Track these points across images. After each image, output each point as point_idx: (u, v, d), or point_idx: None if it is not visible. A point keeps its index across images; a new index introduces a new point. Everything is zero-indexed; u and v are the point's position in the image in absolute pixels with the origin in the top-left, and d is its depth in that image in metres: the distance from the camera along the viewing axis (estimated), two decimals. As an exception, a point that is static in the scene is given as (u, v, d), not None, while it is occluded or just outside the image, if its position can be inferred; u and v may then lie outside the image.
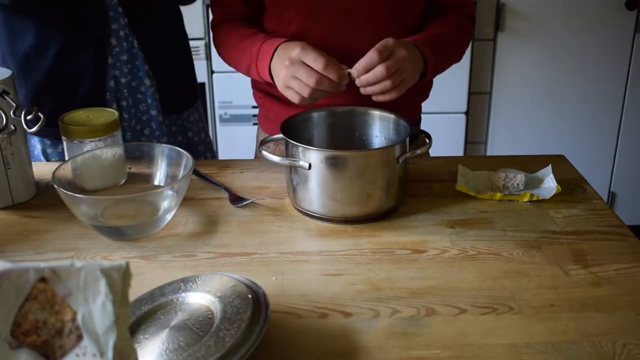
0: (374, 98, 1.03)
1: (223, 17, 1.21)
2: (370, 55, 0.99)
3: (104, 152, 1.02)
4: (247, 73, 1.17)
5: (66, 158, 1.05)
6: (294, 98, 1.03)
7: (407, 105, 1.09)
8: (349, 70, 1.00)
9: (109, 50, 1.20)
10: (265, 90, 1.25)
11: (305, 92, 1.00)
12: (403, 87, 1.02)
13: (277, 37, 1.09)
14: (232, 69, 1.21)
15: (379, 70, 0.98)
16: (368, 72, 0.99)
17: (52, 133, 1.17)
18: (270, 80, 1.09)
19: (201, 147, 1.41)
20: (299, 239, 0.95)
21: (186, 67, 1.36)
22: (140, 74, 1.24)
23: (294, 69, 1.00)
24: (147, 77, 1.24)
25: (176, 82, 1.32)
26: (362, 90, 1.02)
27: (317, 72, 0.98)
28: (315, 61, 0.98)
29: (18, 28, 1.18)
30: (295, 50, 1.00)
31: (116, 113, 1.06)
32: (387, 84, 0.99)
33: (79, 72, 1.20)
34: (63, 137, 1.04)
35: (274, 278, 0.85)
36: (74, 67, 1.19)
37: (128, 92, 1.24)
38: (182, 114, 1.35)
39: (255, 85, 1.30)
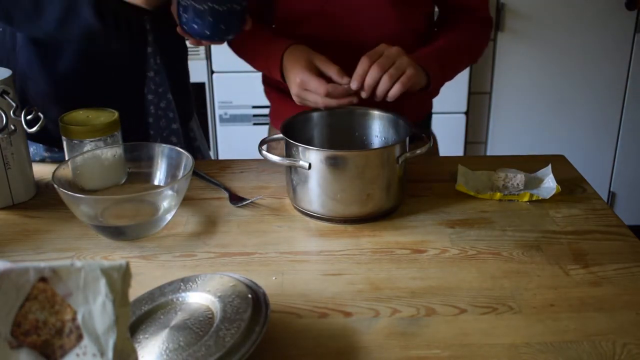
0: (388, 99, 1.02)
1: None
2: (361, 61, 1.00)
3: (104, 152, 1.02)
4: (261, 71, 1.20)
5: (66, 158, 1.05)
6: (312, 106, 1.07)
7: (414, 102, 1.08)
8: (349, 84, 1.01)
9: (146, 71, 1.21)
10: (276, 86, 1.25)
11: (320, 107, 1.04)
12: (406, 79, 1.00)
13: (283, 39, 1.10)
14: (232, 69, 1.21)
15: (374, 70, 0.99)
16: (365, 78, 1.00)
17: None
18: (283, 81, 1.10)
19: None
20: (299, 239, 0.95)
21: (188, 77, 1.38)
22: (161, 90, 1.25)
23: (303, 92, 1.03)
24: (170, 92, 1.26)
25: (188, 93, 1.35)
26: (376, 98, 1.02)
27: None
28: (317, 90, 1.01)
29: (53, 51, 1.16)
30: (298, 77, 1.02)
31: (116, 113, 1.06)
32: (385, 79, 0.99)
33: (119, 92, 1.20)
34: (63, 137, 1.04)
35: (274, 278, 0.85)
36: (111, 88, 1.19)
37: (155, 110, 1.26)
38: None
39: (266, 81, 1.29)
